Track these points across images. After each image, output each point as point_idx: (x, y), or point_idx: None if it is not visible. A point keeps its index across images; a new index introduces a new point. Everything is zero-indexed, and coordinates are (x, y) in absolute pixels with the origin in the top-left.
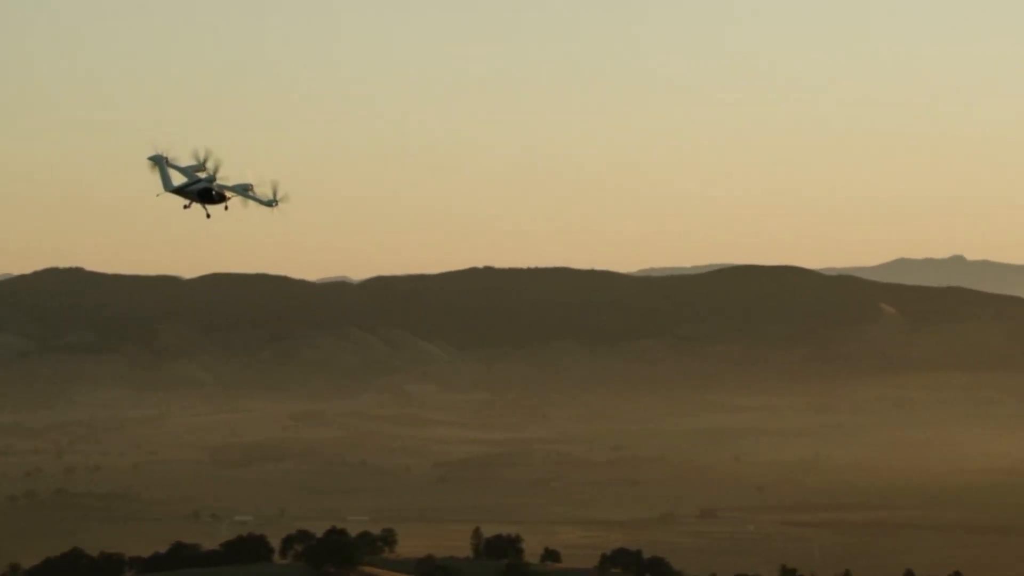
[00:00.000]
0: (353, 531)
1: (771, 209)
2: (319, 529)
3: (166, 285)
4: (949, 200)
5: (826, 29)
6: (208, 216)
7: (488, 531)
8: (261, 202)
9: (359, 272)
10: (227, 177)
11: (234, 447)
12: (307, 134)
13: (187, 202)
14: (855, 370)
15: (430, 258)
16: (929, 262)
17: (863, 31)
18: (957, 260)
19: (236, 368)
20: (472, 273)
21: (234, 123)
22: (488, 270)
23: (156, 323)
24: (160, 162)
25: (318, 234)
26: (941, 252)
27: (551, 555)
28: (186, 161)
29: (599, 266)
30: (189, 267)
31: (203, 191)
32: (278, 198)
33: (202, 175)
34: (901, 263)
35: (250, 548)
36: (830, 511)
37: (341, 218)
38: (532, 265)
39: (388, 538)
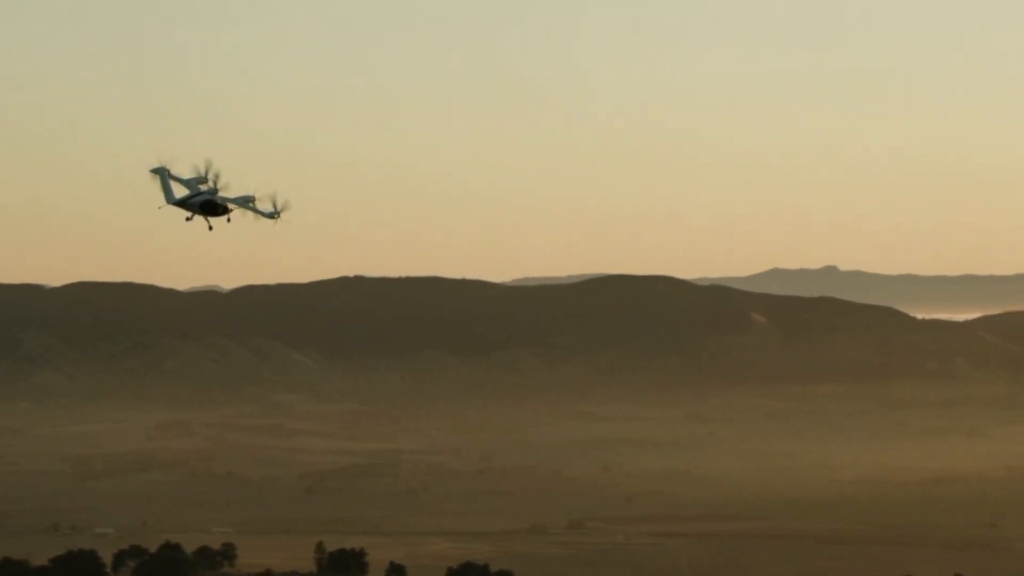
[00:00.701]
0: (216, 543)
1: (644, 219)
2: (185, 541)
3: (29, 293)
4: (822, 211)
5: (692, 38)
6: (211, 228)
7: (354, 543)
8: (263, 214)
9: (230, 281)
10: (227, 185)
11: (97, 458)
12: (180, 138)
13: (189, 214)
14: (727, 380)
15: (300, 267)
16: (803, 272)
17: (725, 40)
18: (830, 270)
19: (101, 378)
20: (342, 282)
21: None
22: (359, 279)
23: (19, 331)
24: (162, 175)
25: (188, 243)
26: (814, 263)
27: (397, 569)
28: (188, 174)
29: (471, 275)
30: (54, 275)
31: (205, 203)
32: (279, 209)
33: (204, 187)
34: (774, 273)
35: (81, 563)
36: (700, 522)
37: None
38: (403, 274)
39: (228, 552)
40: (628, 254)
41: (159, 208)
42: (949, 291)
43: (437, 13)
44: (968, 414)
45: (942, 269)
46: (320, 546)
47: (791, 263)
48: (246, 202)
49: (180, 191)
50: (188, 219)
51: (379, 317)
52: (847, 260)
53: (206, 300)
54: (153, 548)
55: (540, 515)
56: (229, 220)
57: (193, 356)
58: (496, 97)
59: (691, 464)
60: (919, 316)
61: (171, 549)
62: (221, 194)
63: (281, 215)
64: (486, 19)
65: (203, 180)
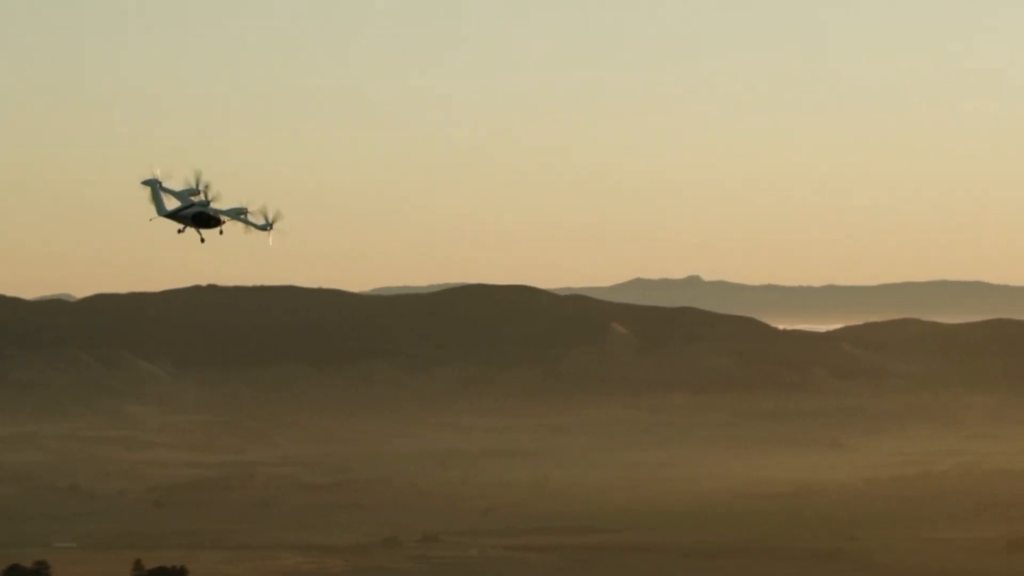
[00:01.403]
0: (56, 558)
1: (503, 228)
2: (24, 558)
3: None
4: (686, 220)
5: (548, 45)
6: (203, 241)
7: (205, 557)
8: (255, 226)
9: (80, 290)
10: (218, 195)
11: None
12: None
13: (181, 226)
14: (587, 391)
15: (152, 276)
16: (665, 282)
17: (582, 47)
18: (693, 280)
19: None
20: (195, 291)
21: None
22: (212, 288)
23: None
24: (153, 187)
25: (36, 250)
26: (677, 272)
27: None
28: (180, 185)
29: (328, 284)
30: None
31: (197, 215)
32: (272, 221)
33: (196, 199)
34: (637, 283)
35: None
36: (557, 535)
37: (61, 234)
38: (257, 283)
39: (41, 571)
40: (487, 263)
41: (150, 220)
42: (812, 301)
43: (292, 28)
44: (828, 425)
45: (805, 280)
46: (139, 563)
47: (654, 273)
48: (238, 214)
49: (172, 203)
50: (180, 231)
51: (232, 327)
52: (710, 270)
53: (54, 309)
54: None
55: (394, 528)
56: (222, 232)
57: (40, 367)
58: (351, 103)
59: (549, 476)
60: (780, 327)
61: None
62: (213, 206)
63: (274, 227)
64: (327, 32)
65: (195, 192)
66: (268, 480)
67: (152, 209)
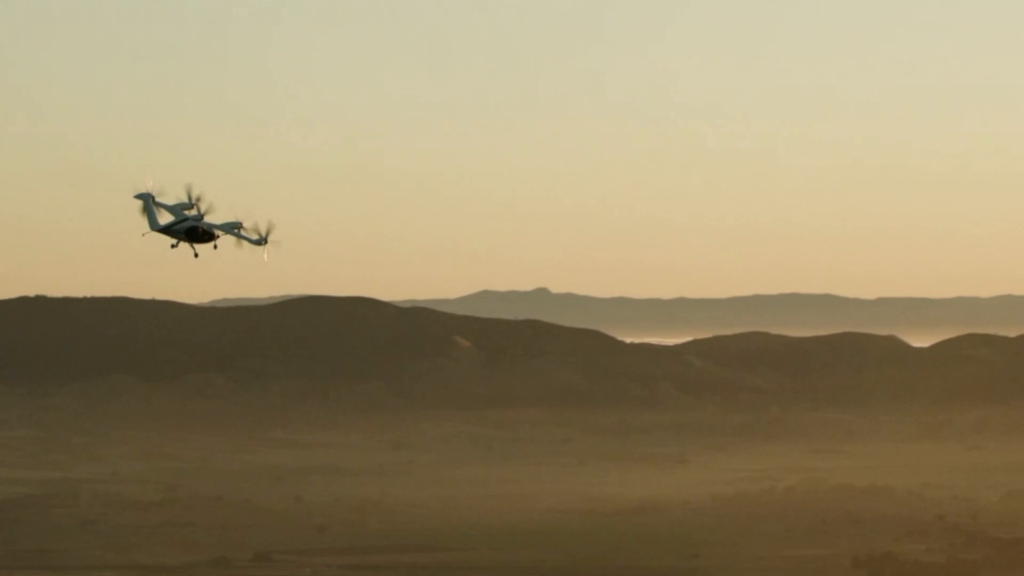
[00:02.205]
0: None
1: (344, 239)
2: None
3: None
4: (534, 232)
5: (393, 55)
6: (196, 255)
7: None
8: (250, 241)
9: None
10: (209, 209)
11: None
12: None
13: (175, 241)
14: (428, 405)
15: None
16: (513, 294)
17: (431, 59)
18: (541, 292)
19: None
20: (23, 302)
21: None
22: (40, 299)
23: None
24: (146, 201)
25: None
26: (525, 284)
27: None
28: (173, 199)
29: (161, 296)
30: None
31: (190, 230)
32: (267, 236)
33: (190, 213)
34: (485, 295)
35: None
36: (393, 553)
37: None
38: (88, 294)
39: None
40: (328, 275)
41: (143, 235)
42: (662, 314)
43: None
44: (674, 441)
45: (655, 292)
46: None
47: (502, 285)
48: (232, 228)
49: (165, 218)
50: (173, 246)
51: (61, 339)
52: (559, 282)
53: None
54: None
55: (225, 547)
56: (216, 247)
57: None
58: (199, 113)
59: (387, 493)
60: (627, 340)
61: None
62: (207, 220)
63: (268, 241)
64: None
65: (189, 206)
66: (95, 497)
67: (145, 223)
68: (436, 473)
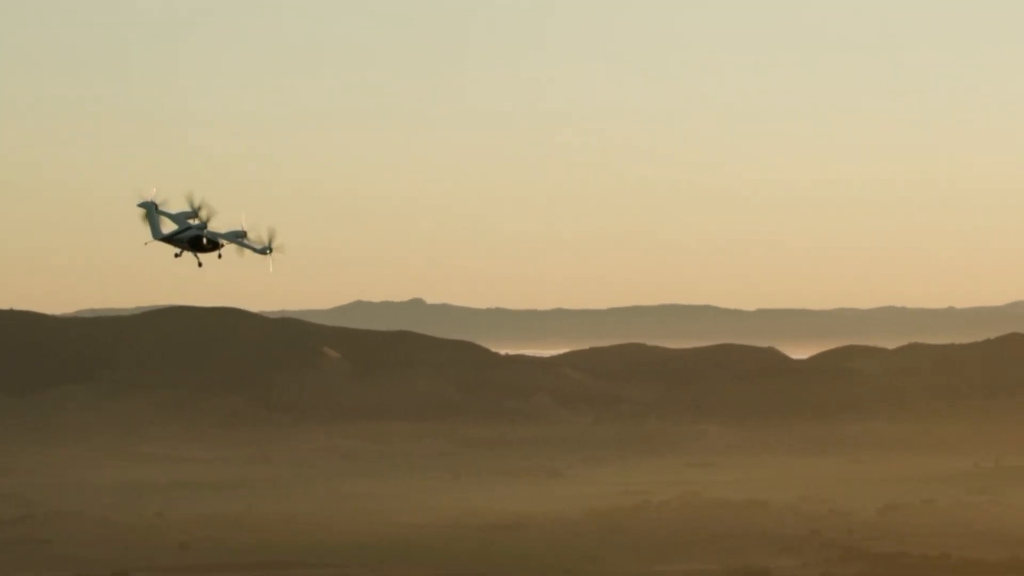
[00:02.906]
0: None
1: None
2: None
3: None
4: (409, 242)
5: (245, 64)
6: (200, 265)
7: None
8: (255, 249)
9: None
10: (211, 217)
11: None
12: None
13: (178, 250)
14: (297, 418)
15: None
16: (387, 305)
17: (291, 61)
18: (416, 303)
19: None
20: None
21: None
22: None
23: None
24: (149, 209)
25: None
26: (400, 295)
27: None
28: (177, 208)
29: (20, 306)
30: None
31: (194, 239)
32: (271, 245)
33: (194, 222)
34: (358, 306)
35: None
36: (259, 570)
37: None
38: None
39: None
40: (194, 284)
41: (145, 244)
42: (539, 326)
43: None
44: (550, 454)
45: (533, 303)
46: None
47: (375, 295)
48: (236, 237)
49: (168, 227)
50: (177, 255)
51: None
52: (434, 293)
53: None
54: None
55: (83, 565)
56: (220, 256)
57: None
58: (56, 117)
59: (253, 508)
60: (503, 352)
61: None
62: (210, 229)
63: (273, 250)
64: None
65: (192, 215)
66: None
67: (147, 232)
68: (304, 488)
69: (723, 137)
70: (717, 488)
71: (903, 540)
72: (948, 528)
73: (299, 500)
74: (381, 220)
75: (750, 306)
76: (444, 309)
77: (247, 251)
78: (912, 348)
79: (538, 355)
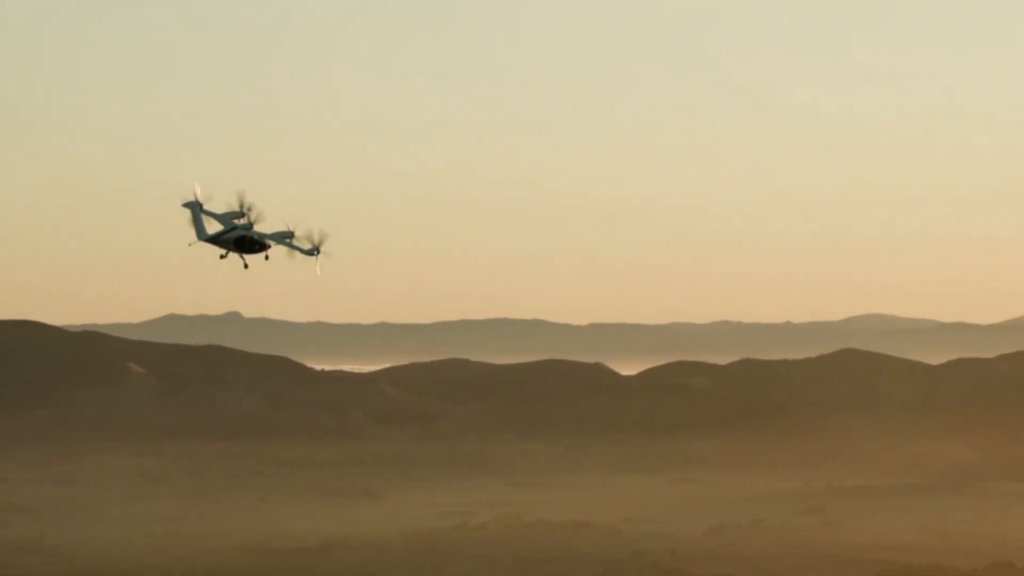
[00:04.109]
0: None
1: (13, 258)
2: None
3: None
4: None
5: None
6: (246, 266)
7: None
8: (302, 251)
9: None
10: (259, 218)
11: None
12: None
13: (224, 251)
14: (96, 437)
15: None
16: (203, 318)
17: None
18: (233, 317)
19: None
20: None
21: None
22: None
23: None
24: (194, 209)
25: None
26: (216, 308)
27: None
28: (223, 208)
29: None
30: None
31: (239, 239)
32: (319, 246)
33: (239, 222)
34: (170, 319)
35: None
36: None
37: None
38: None
39: None
40: None
41: (190, 245)
42: (361, 340)
43: None
44: (365, 474)
45: (355, 317)
46: None
47: (190, 308)
48: (283, 238)
49: (213, 227)
50: (222, 256)
51: None
52: (252, 306)
53: None
54: None
55: None
56: (267, 258)
57: None
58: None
59: (50, 532)
60: (318, 367)
61: None
62: (256, 229)
63: (321, 251)
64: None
65: (239, 215)
66: None
67: (192, 233)
68: (105, 510)
69: (553, 150)
70: (538, 509)
71: (728, 562)
72: (775, 550)
73: (99, 524)
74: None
75: (582, 320)
76: (262, 323)
77: (296, 253)
78: (744, 364)
79: (356, 371)
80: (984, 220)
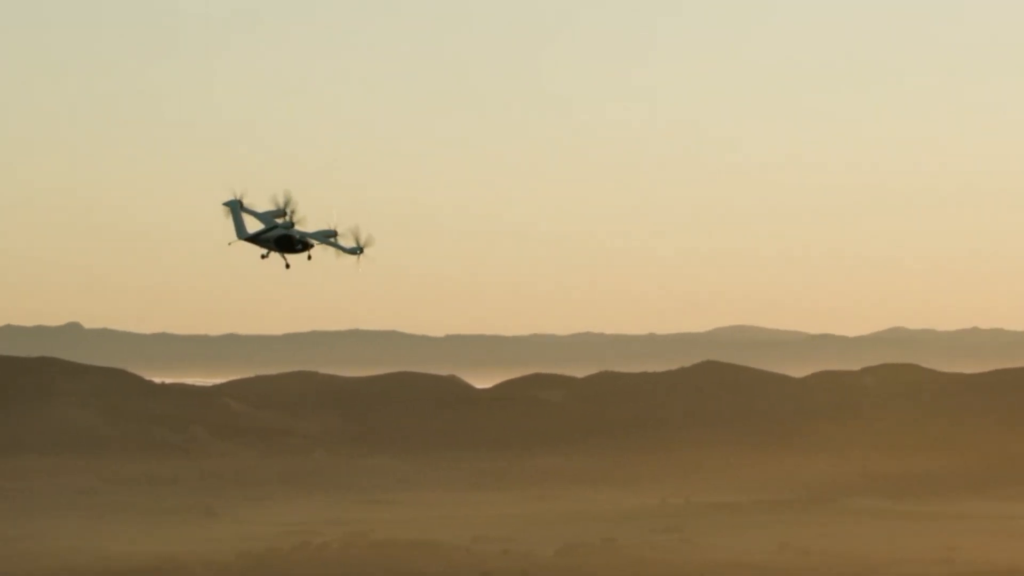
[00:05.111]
0: None
1: None
2: None
3: None
4: (66, 260)
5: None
6: (287, 266)
7: None
8: (344, 250)
9: None
10: (303, 219)
11: None
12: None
13: (265, 251)
14: None
15: None
16: (40, 329)
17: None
18: (72, 327)
19: None
20: None
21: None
22: None
23: None
24: (234, 208)
25: None
26: (54, 319)
27: None
28: (264, 206)
29: None
30: None
31: (281, 238)
32: (363, 245)
33: (280, 221)
34: (6, 331)
35: None
36: None
37: None
38: None
39: None
40: None
41: (229, 244)
42: (208, 352)
43: None
44: (205, 491)
45: (203, 328)
46: None
47: (26, 319)
48: (326, 237)
49: (254, 226)
50: (263, 256)
51: None
52: (93, 317)
53: None
54: None
55: None
56: (310, 258)
57: None
58: None
59: None
60: (158, 380)
61: None
62: (298, 228)
63: (365, 251)
64: None
65: (281, 213)
66: None
67: (232, 231)
68: None
69: (409, 158)
70: (385, 527)
71: None
72: (629, 568)
73: None
74: (33, 234)
75: (439, 332)
76: (104, 334)
77: (338, 252)
78: (603, 376)
79: (198, 383)
80: (854, 232)
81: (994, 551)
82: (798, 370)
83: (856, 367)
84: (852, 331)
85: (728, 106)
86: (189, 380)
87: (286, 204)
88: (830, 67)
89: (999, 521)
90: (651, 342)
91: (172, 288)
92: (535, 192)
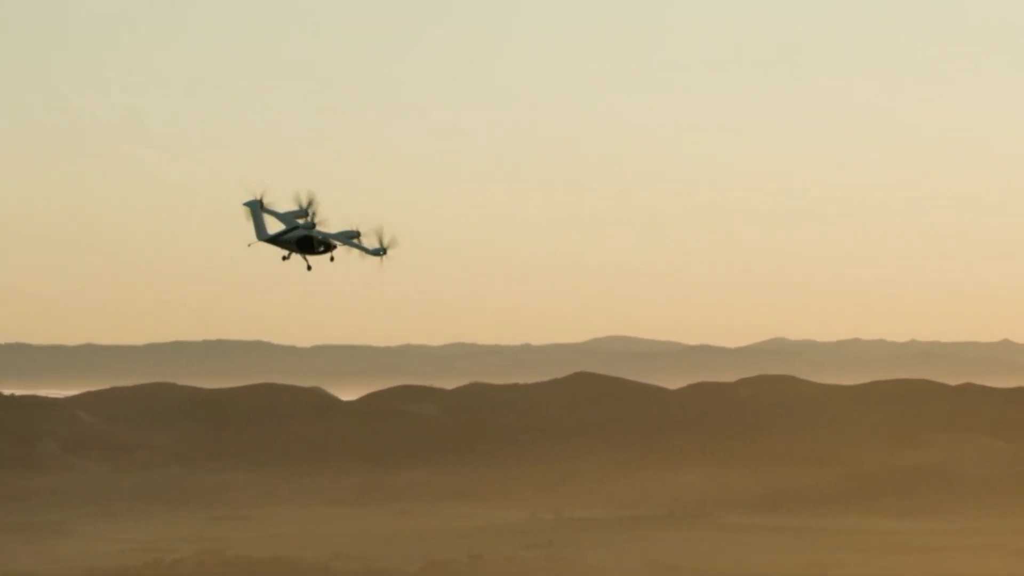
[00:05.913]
0: None
1: None
2: None
3: None
4: None
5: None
6: (309, 268)
7: None
8: (367, 251)
9: None
10: (325, 220)
11: None
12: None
13: (286, 252)
14: None
15: None
16: None
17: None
18: None
19: None
20: None
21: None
22: None
23: None
24: (255, 208)
25: None
26: None
27: None
28: (285, 207)
29: None
30: None
31: (302, 239)
32: (386, 246)
33: (301, 222)
34: None
35: None
36: None
37: None
38: None
39: None
40: None
41: (249, 246)
42: (64, 363)
43: None
44: (55, 508)
45: (60, 338)
46: None
47: None
48: (349, 238)
49: (275, 227)
50: (284, 258)
51: None
52: None
53: None
54: None
55: None
56: (332, 259)
57: None
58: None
59: None
60: (7, 392)
61: None
62: (320, 229)
63: (388, 252)
64: None
65: (302, 214)
66: None
67: (252, 232)
68: None
69: (297, 164)
70: (242, 544)
71: None
72: None
73: None
74: None
75: (307, 342)
76: None
77: (361, 253)
78: (473, 388)
79: (49, 395)
80: (735, 243)
81: (869, 567)
82: (673, 381)
83: (732, 378)
84: (732, 342)
85: (606, 116)
86: (44, 392)
87: (309, 204)
88: (708, 74)
89: (874, 536)
90: (525, 353)
91: (28, 296)
92: (405, 199)
